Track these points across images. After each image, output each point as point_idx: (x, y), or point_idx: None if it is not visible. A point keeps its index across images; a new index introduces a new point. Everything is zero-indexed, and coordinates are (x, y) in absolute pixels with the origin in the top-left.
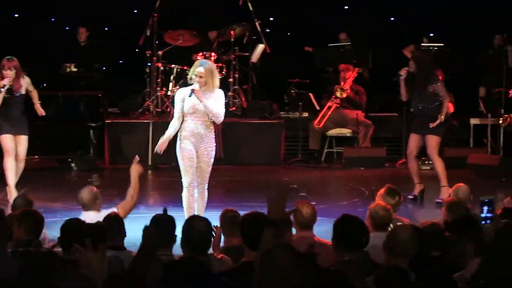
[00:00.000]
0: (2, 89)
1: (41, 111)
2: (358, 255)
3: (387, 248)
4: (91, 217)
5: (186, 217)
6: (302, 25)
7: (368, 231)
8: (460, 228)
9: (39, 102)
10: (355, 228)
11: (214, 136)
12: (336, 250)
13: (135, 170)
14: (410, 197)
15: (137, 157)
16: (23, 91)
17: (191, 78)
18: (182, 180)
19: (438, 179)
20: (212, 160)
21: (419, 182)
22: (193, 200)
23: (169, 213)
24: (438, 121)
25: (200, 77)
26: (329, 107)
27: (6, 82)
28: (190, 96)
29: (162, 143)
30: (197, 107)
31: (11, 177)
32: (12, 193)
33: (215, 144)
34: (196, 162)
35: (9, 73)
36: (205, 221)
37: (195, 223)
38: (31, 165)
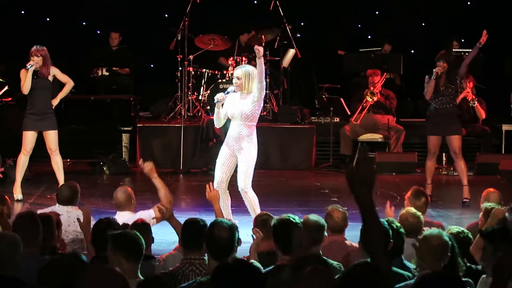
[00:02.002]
0: (29, 67)
1: (53, 101)
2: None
3: (418, 254)
4: (126, 217)
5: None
6: (334, 30)
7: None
8: (497, 238)
9: (63, 96)
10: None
11: (253, 138)
12: (362, 253)
13: (148, 170)
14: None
15: (141, 160)
16: (50, 78)
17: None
18: None
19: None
20: (249, 162)
21: (432, 183)
22: (226, 202)
23: (202, 217)
24: None
25: (238, 78)
26: (363, 107)
27: (32, 62)
28: (226, 93)
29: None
30: (233, 112)
31: (19, 174)
32: (17, 190)
33: (255, 147)
34: (237, 165)
35: (36, 59)
36: (229, 226)
37: (216, 228)
38: (64, 168)
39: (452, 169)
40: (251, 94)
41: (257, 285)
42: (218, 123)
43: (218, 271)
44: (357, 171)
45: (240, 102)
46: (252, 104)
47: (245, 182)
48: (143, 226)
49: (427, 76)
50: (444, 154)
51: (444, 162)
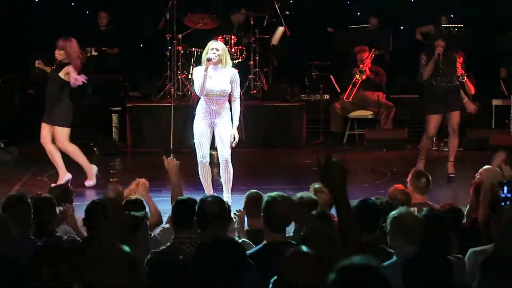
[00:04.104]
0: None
1: None
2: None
3: (393, 233)
4: None
5: (207, 193)
6: (323, 7)
7: None
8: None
9: None
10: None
11: (230, 111)
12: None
13: (172, 168)
14: None
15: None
16: (61, 75)
17: (207, 58)
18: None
19: (448, 157)
20: (230, 133)
21: (425, 158)
22: (208, 176)
23: (193, 196)
24: None
25: (217, 49)
26: (355, 83)
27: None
28: (208, 59)
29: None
30: (212, 88)
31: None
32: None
33: (231, 120)
34: (216, 137)
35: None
36: (219, 201)
37: (206, 204)
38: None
39: (442, 144)
40: (226, 70)
41: (238, 261)
42: (202, 91)
43: (201, 247)
44: (327, 170)
45: (218, 78)
46: (230, 85)
47: (229, 152)
48: (136, 203)
49: (423, 56)
50: None
51: (434, 138)
